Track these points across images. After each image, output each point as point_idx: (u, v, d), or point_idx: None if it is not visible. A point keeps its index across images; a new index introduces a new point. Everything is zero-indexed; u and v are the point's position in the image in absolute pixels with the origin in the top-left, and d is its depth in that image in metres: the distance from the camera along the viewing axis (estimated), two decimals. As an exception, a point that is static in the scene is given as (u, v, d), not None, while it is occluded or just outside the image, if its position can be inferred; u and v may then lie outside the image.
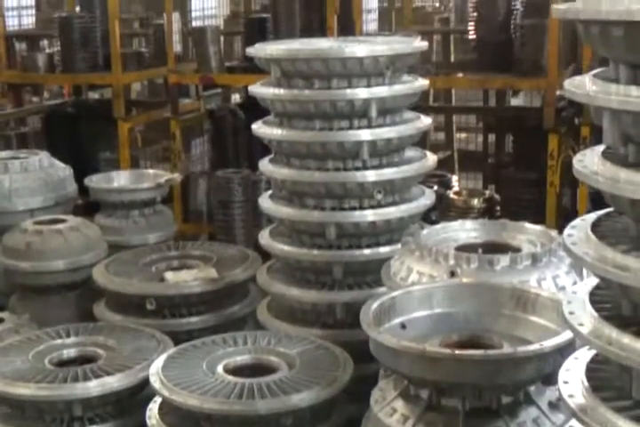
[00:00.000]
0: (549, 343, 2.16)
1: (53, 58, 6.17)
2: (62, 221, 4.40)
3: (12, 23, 6.37)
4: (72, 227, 4.32)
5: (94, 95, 6.83)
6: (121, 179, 5.02)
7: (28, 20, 6.59)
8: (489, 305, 2.70)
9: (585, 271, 2.16)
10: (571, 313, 1.61)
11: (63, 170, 4.83)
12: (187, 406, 2.93)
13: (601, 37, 1.39)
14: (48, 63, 6.17)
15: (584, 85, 1.47)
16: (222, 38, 6.12)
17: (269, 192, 3.93)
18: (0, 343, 3.74)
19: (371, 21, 5.44)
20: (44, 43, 6.50)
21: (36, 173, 4.69)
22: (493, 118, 6.11)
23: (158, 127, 6.56)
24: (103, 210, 4.79)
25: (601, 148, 1.61)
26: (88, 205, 5.09)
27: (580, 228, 1.64)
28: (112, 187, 4.86)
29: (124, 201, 4.70)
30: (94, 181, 4.88)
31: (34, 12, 6.57)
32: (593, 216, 1.73)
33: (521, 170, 5.33)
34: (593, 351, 1.73)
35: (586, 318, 1.58)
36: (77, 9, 6.44)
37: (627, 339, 1.42)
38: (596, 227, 1.62)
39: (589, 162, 1.54)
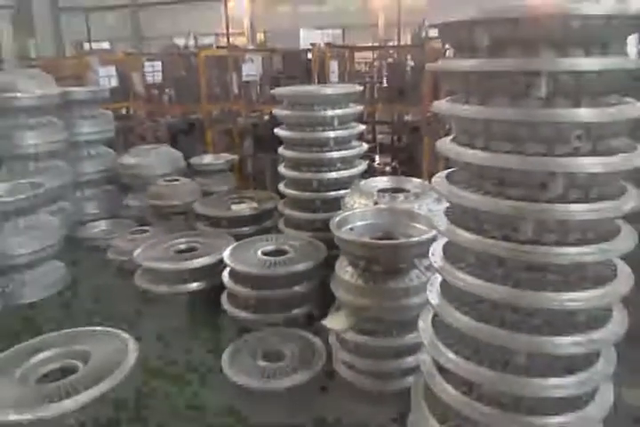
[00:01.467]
0: (424, 237, 3.35)
1: (172, 97, 9.15)
2: (178, 180, 6.63)
3: (149, 79, 9.52)
4: (183, 183, 6.57)
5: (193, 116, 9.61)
6: (208, 158, 7.48)
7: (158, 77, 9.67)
8: (395, 219, 3.98)
9: (442, 199, 2.73)
10: (435, 220, 2.40)
11: (177, 154, 7.31)
12: (242, 271, 4.61)
13: (447, 80, 2.20)
14: (169, 99, 9.17)
15: (442, 105, 2.26)
16: (259, 86, 8.87)
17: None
18: (148, 242, 5.65)
19: (333, 77, 7.87)
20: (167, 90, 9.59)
21: (163, 156, 7.16)
22: (396, 127, 8.75)
23: (227, 133, 9.08)
24: (199, 174, 7.19)
25: (449, 138, 2.37)
26: (191, 173, 7.26)
27: (440, 177, 2.44)
28: (204, 162, 7.31)
29: (210, 169, 7.20)
30: (194, 159, 7.35)
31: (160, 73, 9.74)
32: (447, 171, 2.49)
33: (410, 152, 7.80)
34: (445, 239, 2.53)
35: (442, 222, 2.36)
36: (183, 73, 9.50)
37: (460, 231, 2.23)
38: (448, 177, 2.41)
39: (443, 144, 2.32)
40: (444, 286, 2.55)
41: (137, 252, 5.47)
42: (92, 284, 5.88)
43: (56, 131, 6.60)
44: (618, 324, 2.17)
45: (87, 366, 3.80)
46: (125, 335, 4.10)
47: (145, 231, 6.26)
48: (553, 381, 2.12)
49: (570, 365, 2.20)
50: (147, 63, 9.73)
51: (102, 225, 7.12)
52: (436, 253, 2.53)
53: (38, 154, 6.42)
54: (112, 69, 9.07)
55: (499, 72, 2.01)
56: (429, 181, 3.46)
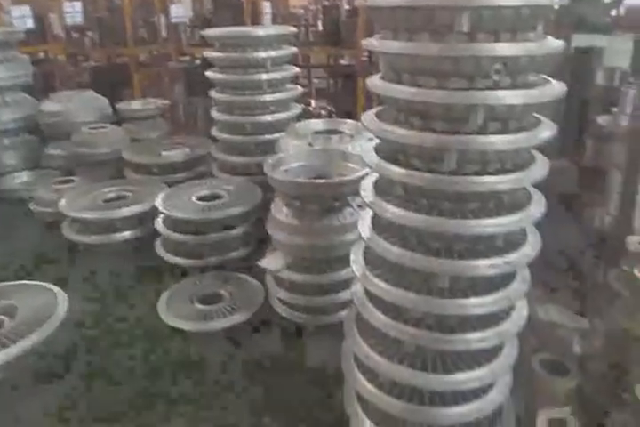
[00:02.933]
0: (357, 175, 3.50)
1: (95, 39, 8.51)
2: (104, 127, 6.41)
3: (69, 21, 8.79)
4: (110, 130, 6.37)
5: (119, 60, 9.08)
6: (136, 104, 7.16)
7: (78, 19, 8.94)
8: (329, 160, 4.05)
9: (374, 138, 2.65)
10: (366, 156, 2.45)
11: (103, 100, 6.99)
12: (175, 217, 4.63)
13: (377, 16, 2.17)
14: (91, 43, 8.53)
15: (371, 42, 2.27)
16: (189, 29, 8.52)
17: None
18: (74, 192, 5.51)
19: (267, 19, 7.61)
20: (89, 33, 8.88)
21: (88, 102, 6.81)
22: (332, 70, 8.80)
23: (156, 77, 8.74)
24: (127, 121, 6.91)
25: (378, 75, 2.39)
26: (118, 120, 7.00)
27: (369, 114, 2.48)
28: (132, 108, 7.00)
29: (138, 115, 6.88)
30: (121, 105, 7.04)
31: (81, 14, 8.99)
32: (376, 109, 2.54)
33: (345, 96, 7.85)
34: (375, 175, 2.59)
35: (372, 158, 2.41)
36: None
37: (388, 165, 2.28)
38: (377, 114, 2.46)
39: (372, 81, 2.35)
40: (375, 219, 2.64)
41: (62, 202, 5.30)
42: (16, 237, 5.66)
43: (-37, 75, 6.11)
44: (531, 247, 2.35)
45: (14, 320, 3.73)
46: (54, 288, 4.05)
47: (70, 181, 6.02)
48: (473, 300, 2.28)
49: (489, 285, 2.37)
50: (66, 3, 9.11)
51: (23, 176, 6.79)
52: (366, 189, 2.59)
53: (-54, 101, 5.95)
54: (27, 9, 8.42)
55: (423, 7, 2.03)
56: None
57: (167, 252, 4.79)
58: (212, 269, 4.62)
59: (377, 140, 2.60)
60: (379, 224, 2.60)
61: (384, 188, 2.54)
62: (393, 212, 2.33)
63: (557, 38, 2.23)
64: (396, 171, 2.30)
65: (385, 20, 2.25)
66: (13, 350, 3.42)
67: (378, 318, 2.49)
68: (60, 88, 8.10)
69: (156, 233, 4.91)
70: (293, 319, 3.95)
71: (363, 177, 3.07)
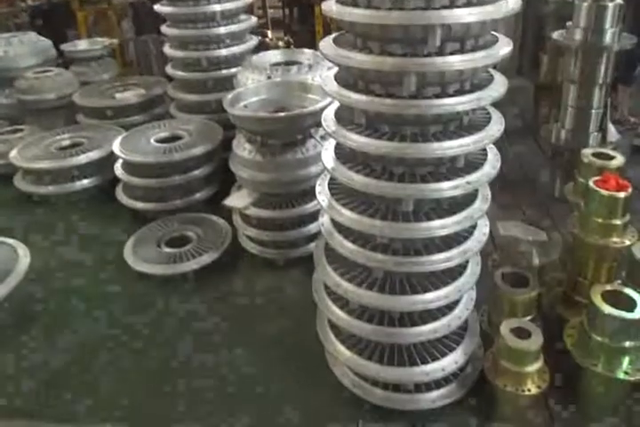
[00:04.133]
0: (318, 106, 3.45)
1: None
2: (50, 71, 6.07)
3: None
4: (57, 74, 6.03)
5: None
6: (83, 44, 6.79)
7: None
8: (288, 92, 3.98)
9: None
10: (325, 85, 2.43)
11: (46, 42, 6.55)
12: (133, 161, 4.47)
13: None
14: None
15: None
16: None
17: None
18: (24, 142, 5.31)
19: None
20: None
21: (30, 45, 6.37)
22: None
23: (102, 15, 8.22)
24: (75, 63, 6.60)
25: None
26: (65, 62, 6.73)
27: (327, 41, 2.44)
28: (78, 49, 6.65)
29: (86, 56, 6.54)
30: (67, 46, 6.67)
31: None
32: (334, 35, 2.53)
33: (302, 25, 7.76)
34: (336, 103, 2.57)
35: (331, 86, 2.40)
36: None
37: (348, 92, 2.25)
38: (334, 40, 2.43)
39: (328, 6, 2.27)
40: (338, 149, 2.63)
41: (13, 153, 5.11)
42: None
43: None
44: (491, 165, 2.38)
45: None
46: (12, 242, 3.95)
47: (19, 130, 5.73)
48: (438, 222, 2.33)
49: (451, 206, 2.42)
50: None
51: (-35, 129, 6.38)
52: (328, 119, 2.56)
53: None
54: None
55: None
56: (322, 51, 3.68)
57: (129, 198, 4.70)
58: (177, 212, 4.55)
59: (336, 69, 2.54)
60: (342, 154, 2.59)
61: (345, 116, 2.51)
62: (355, 140, 2.32)
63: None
64: (356, 98, 2.27)
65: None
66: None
67: (346, 247, 2.52)
68: (-3, 31, 7.53)
69: (115, 179, 4.79)
70: (262, 255, 3.98)
71: (324, 108, 3.02)
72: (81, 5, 7.86)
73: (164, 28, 5.16)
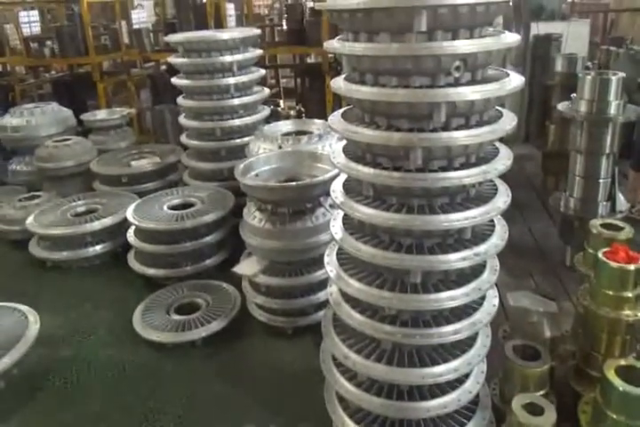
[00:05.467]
0: (327, 176, 3.55)
1: (54, 50, 8.34)
2: (69, 139, 6.30)
3: (26, 31, 8.59)
4: (75, 142, 6.26)
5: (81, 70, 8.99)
6: (102, 114, 7.07)
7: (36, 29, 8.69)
8: (299, 161, 4.09)
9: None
10: (334, 158, 2.50)
11: (67, 112, 6.87)
12: (147, 228, 4.59)
13: (337, 18, 2.20)
14: (51, 53, 8.39)
15: (332, 44, 2.32)
16: (152, 34, 8.43)
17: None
18: (41, 208, 5.48)
19: (231, 21, 7.46)
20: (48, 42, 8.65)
21: (51, 115, 6.67)
22: (298, 70, 8.83)
23: (121, 85, 8.75)
24: (93, 132, 6.86)
25: (342, 76, 2.42)
26: (84, 131, 7.01)
27: (335, 115, 2.53)
28: (97, 118, 6.91)
29: (105, 126, 6.81)
30: (86, 116, 6.96)
31: (39, 24, 8.75)
32: (342, 109, 2.60)
33: (314, 94, 7.90)
34: (345, 175, 2.63)
35: (340, 159, 2.47)
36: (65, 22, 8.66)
37: (356, 165, 2.33)
38: (343, 115, 2.51)
39: (336, 83, 2.39)
40: (346, 219, 2.66)
41: (29, 219, 5.22)
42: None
43: None
44: (499, 237, 2.39)
45: None
46: (24, 308, 3.99)
47: (36, 197, 5.88)
48: (446, 294, 2.32)
49: (459, 278, 2.41)
50: (22, 13, 8.91)
51: (-14, 195, 6.55)
52: (336, 190, 2.60)
53: None
54: (-21, 21, 8.23)
55: (381, 9, 2.05)
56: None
57: (141, 264, 4.73)
58: (188, 278, 4.57)
59: (345, 141, 2.61)
60: (350, 224, 2.61)
61: (353, 187, 2.55)
62: (363, 211, 2.35)
63: (517, 27, 2.26)
64: (363, 171, 2.33)
65: (345, 22, 2.27)
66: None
67: (354, 318, 2.50)
68: (21, 101, 7.89)
69: (128, 245, 4.84)
70: (271, 323, 3.94)
71: (333, 178, 3.07)
72: (101, 77, 8.28)
73: (180, 100, 5.38)
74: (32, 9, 9.14)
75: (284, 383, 3.46)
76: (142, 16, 8.25)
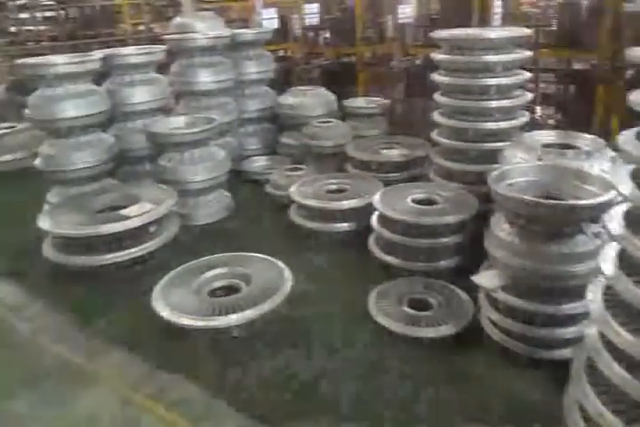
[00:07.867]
0: (598, 200, 3.18)
1: (327, 39, 9.15)
2: (331, 121, 6.81)
3: (307, 22, 9.73)
4: (336, 125, 6.75)
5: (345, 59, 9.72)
6: (361, 102, 7.53)
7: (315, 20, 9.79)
8: (561, 178, 3.76)
9: (622, 160, 2.48)
10: (615, 183, 2.25)
11: (331, 96, 7.49)
12: (389, 217, 4.70)
13: None
14: (324, 41, 9.20)
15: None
16: (414, 29, 8.52)
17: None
18: (302, 180, 6.01)
19: (496, 19, 7.07)
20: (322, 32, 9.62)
21: (319, 97, 7.37)
22: (563, 75, 8.09)
23: (380, 77, 9.10)
24: (352, 117, 7.30)
25: None
26: (342, 116, 7.43)
27: (628, 135, 2.25)
28: (355, 105, 7.36)
29: (362, 113, 7.25)
30: (347, 102, 7.45)
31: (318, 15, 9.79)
32: (637, 129, 2.33)
33: (578, 104, 7.24)
34: (628, 205, 2.35)
35: (626, 185, 2.18)
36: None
37: None
38: (638, 136, 2.23)
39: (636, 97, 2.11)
40: (623, 256, 2.39)
41: (293, 188, 5.84)
42: (252, 214, 6.41)
43: (226, 70, 7.07)
44: None
45: (249, 286, 4.37)
46: (281, 264, 4.56)
47: (299, 169, 6.55)
48: None
49: None
50: (306, 5, 9.85)
51: (261, 160, 7.61)
52: (614, 220, 2.36)
53: (210, 91, 6.93)
54: (273, 11, 9.30)
55: None
56: (606, 138, 3.52)
57: (379, 249, 4.97)
58: (418, 273, 4.66)
59: (632, 166, 2.34)
60: (628, 263, 2.34)
61: (635, 221, 2.28)
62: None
63: None
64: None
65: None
66: (248, 315, 3.97)
67: (616, 373, 2.25)
68: (296, 83, 8.78)
69: (367, 229, 5.10)
70: (503, 344, 3.73)
71: (604, 204, 2.88)
72: (363, 67, 8.72)
73: (436, 96, 5.36)
74: (314, 2, 10.03)
75: (513, 413, 3.27)
76: (407, 11, 8.47)
